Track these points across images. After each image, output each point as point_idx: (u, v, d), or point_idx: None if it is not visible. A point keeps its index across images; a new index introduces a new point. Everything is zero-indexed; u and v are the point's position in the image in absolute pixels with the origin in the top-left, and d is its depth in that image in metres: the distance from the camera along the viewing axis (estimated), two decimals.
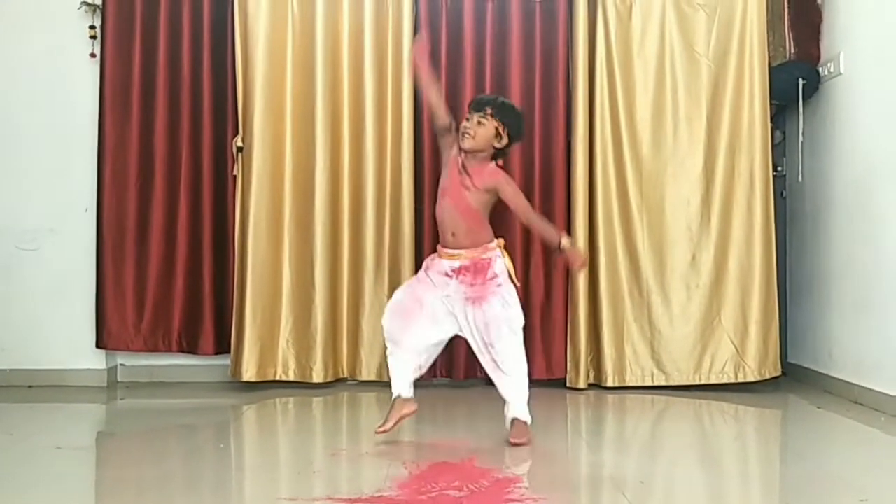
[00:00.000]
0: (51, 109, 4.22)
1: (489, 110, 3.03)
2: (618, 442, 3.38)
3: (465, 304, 3.04)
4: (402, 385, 3.10)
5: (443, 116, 3.11)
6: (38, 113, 4.21)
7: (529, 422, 3.06)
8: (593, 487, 2.71)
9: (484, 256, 3.06)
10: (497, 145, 3.06)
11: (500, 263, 3.07)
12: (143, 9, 4.20)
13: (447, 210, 3.08)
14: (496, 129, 3.03)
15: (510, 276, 3.08)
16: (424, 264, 3.19)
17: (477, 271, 3.04)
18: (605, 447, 3.25)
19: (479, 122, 3.02)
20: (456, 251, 3.06)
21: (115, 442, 3.39)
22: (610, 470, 2.82)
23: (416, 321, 3.07)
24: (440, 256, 3.11)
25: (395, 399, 3.09)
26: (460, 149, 3.06)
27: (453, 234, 3.06)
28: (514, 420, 3.05)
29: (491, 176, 3.07)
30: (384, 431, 3.04)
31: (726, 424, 3.73)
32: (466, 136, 3.02)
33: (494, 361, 3.04)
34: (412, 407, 3.09)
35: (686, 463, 2.97)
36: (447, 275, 3.06)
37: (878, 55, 3.73)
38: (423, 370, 3.16)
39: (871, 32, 3.81)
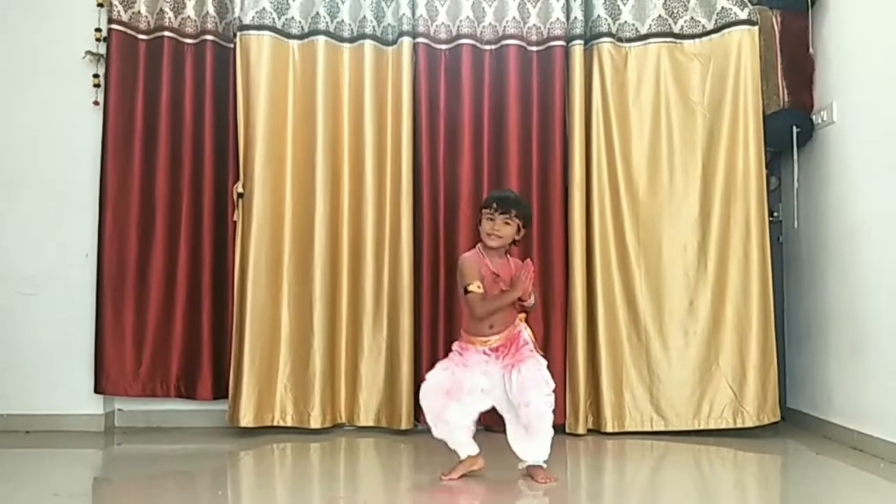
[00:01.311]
0: (53, 156, 4.27)
1: (514, 212, 3.21)
2: (617, 488, 3.37)
3: (503, 371, 3.18)
4: (468, 446, 3.25)
5: None
6: (41, 159, 4.26)
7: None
8: None
9: (514, 333, 3.21)
10: (517, 238, 3.27)
11: (527, 334, 3.24)
12: (146, 58, 4.27)
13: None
14: (518, 226, 3.23)
15: (534, 346, 3.24)
16: (456, 352, 3.26)
17: (511, 344, 3.20)
18: (604, 494, 3.24)
19: (505, 223, 3.20)
20: (491, 339, 3.19)
21: (113, 488, 3.38)
22: None
23: (457, 399, 3.18)
24: (472, 344, 3.21)
25: (465, 458, 3.25)
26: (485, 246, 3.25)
27: (491, 326, 3.19)
28: (530, 465, 3.22)
29: (517, 269, 3.24)
30: (450, 479, 3.20)
31: (725, 470, 3.71)
32: (493, 237, 3.21)
33: (525, 421, 3.15)
34: (482, 462, 3.27)
35: None
36: (485, 354, 3.20)
37: (869, 104, 3.79)
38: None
39: (862, 82, 3.87)
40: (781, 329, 4.47)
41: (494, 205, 3.21)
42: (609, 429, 4.10)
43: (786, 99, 4.34)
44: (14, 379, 4.17)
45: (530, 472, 3.20)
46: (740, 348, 4.09)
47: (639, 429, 4.11)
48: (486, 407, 3.24)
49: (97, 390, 4.15)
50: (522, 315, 3.27)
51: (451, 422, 3.20)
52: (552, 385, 3.20)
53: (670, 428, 4.09)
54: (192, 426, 4.29)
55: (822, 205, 4.20)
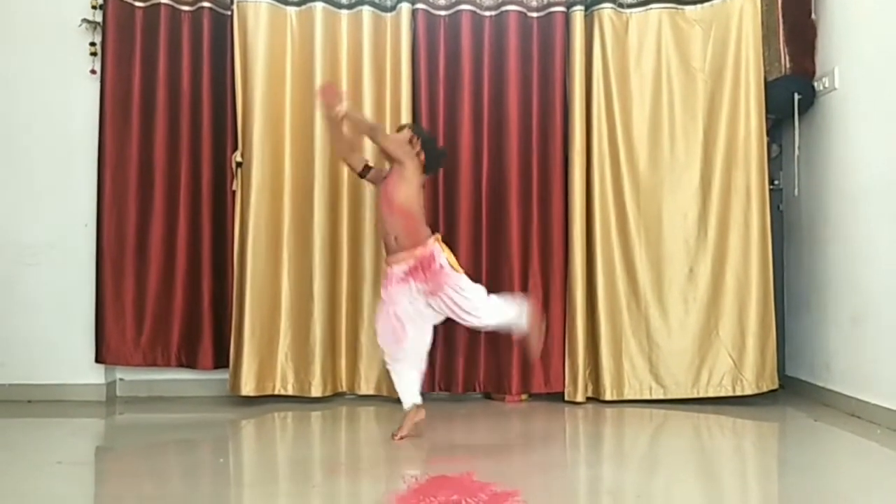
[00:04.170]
0: (51, 125, 4.24)
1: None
2: (616, 456, 3.39)
3: (427, 297, 3.37)
4: (414, 395, 3.45)
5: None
6: (39, 129, 4.24)
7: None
8: (591, 501, 2.73)
9: (426, 253, 3.37)
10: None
11: (443, 256, 3.39)
12: (143, 26, 4.23)
13: (384, 217, 3.44)
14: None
15: (453, 266, 3.41)
16: (382, 283, 3.50)
17: (425, 267, 3.36)
18: (603, 461, 3.26)
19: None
20: (401, 254, 3.38)
21: (115, 457, 3.40)
22: (608, 484, 2.83)
23: (404, 337, 3.38)
24: (389, 265, 3.43)
25: (410, 409, 3.43)
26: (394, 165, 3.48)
27: (396, 239, 3.38)
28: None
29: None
30: (402, 438, 3.36)
31: (724, 438, 3.73)
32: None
33: (474, 324, 3.47)
34: (423, 413, 3.45)
35: (684, 477, 2.98)
36: (403, 280, 3.37)
37: (871, 71, 3.76)
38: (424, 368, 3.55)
39: (864, 48, 3.84)
40: (781, 297, 4.48)
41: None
42: (608, 397, 4.12)
43: (787, 65, 4.31)
44: (15, 349, 4.19)
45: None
46: (740, 316, 4.10)
47: (638, 397, 4.13)
48: (432, 325, 3.47)
49: (98, 360, 4.17)
50: (438, 235, 3.47)
51: (406, 360, 3.42)
52: (476, 295, 3.41)
53: (669, 396, 4.11)
54: (194, 395, 4.31)
55: (823, 172, 4.18)
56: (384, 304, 3.43)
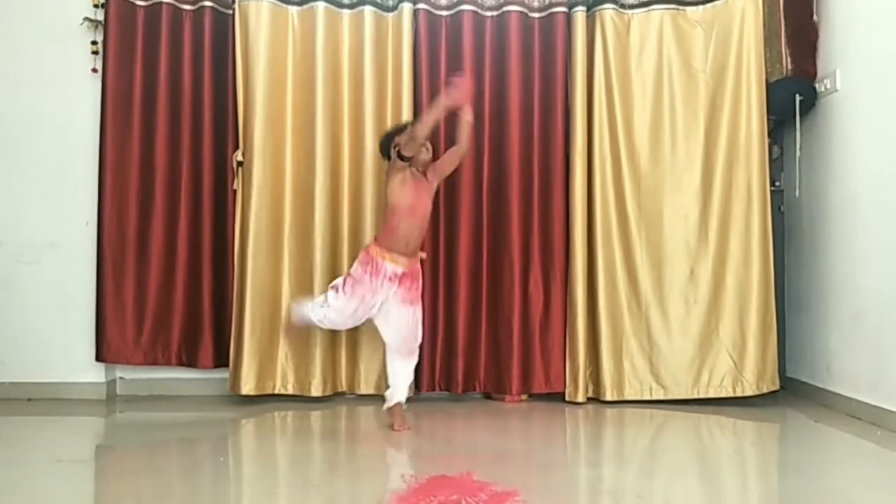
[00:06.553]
0: (52, 123, 4.24)
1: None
2: (616, 456, 3.39)
3: (401, 304, 3.57)
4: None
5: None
6: (40, 127, 4.24)
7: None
8: (591, 501, 2.72)
9: (417, 266, 3.63)
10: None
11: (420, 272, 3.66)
12: (145, 25, 4.23)
13: (418, 226, 3.60)
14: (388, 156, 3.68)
15: None
16: (367, 272, 3.54)
17: (413, 278, 3.60)
18: (603, 461, 3.26)
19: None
20: (403, 258, 3.54)
21: (115, 455, 3.40)
22: (608, 484, 2.83)
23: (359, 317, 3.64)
24: (383, 258, 3.53)
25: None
26: (411, 164, 3.57)
27: (407, 244, 3.55)
28: (396, 405, 3.59)
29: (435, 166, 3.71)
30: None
31: (724, 438, 3.73)
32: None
33: (411, 351, 3.66)
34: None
35: (684, 477, 2.98)
36: (390, 279, 3.53)
37: (873, 72, 3.76)
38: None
39: (866, 50, 3.84)
40: (782, 298, 4.47)
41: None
42: (608, 397, 4.12)
43: (789, 67, 4.31)
44: (15, 347, 4.19)
45: (393, 416, 3.58)
46: (740, 317, 4.10)
47: (638, 397, 4.13)
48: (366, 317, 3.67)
49: (98, 358, 4.17)
50: (424, 254, 3.72)
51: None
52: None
53: (670, 397, 4.11)
54: (194, 394, 4.31)
55: (824, 174, 4.18)
56: (363, 290, 3.54)
